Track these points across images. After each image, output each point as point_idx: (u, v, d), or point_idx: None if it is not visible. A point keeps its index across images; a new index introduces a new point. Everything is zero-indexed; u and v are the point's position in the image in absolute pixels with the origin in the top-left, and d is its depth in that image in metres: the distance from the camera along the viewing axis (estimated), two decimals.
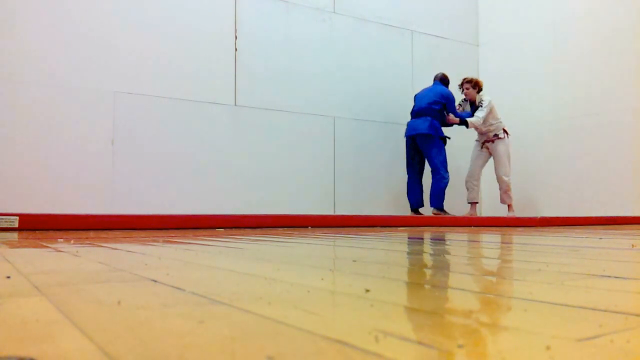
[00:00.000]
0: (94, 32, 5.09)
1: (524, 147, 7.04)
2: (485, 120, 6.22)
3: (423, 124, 6.04)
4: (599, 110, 6.37)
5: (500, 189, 6.37)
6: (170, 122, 5.41)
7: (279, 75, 6.05)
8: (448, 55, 7.35)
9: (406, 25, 7.05)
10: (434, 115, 6.10)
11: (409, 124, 6.25)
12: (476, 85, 6.32)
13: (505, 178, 6.28)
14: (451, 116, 6.17)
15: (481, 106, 6.22)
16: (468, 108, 6.47)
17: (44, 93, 4.85)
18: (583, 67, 6.53)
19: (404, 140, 6.36)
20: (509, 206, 6.38)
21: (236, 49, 5.80)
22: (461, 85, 6.40)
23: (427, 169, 6.34)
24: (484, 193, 7.33)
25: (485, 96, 6.34)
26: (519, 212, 6.67)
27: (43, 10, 4.88)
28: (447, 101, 6.16)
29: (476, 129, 6.32)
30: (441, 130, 6.14)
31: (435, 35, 7.29)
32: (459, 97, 6.58)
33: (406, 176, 6.36)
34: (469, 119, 6.17)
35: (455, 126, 6.38)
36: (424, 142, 6.08)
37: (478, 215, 7.16)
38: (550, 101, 6.85)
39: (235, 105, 5.77)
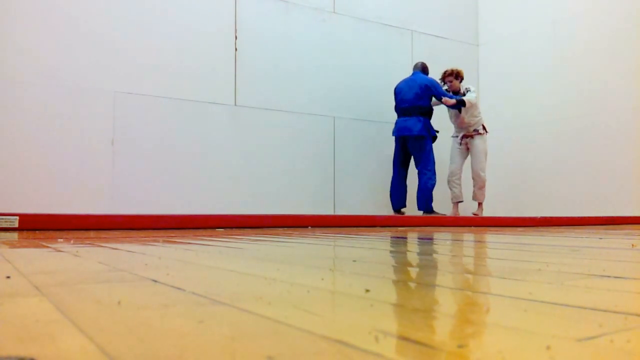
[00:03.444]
0: (94, 32, 5.09)
1: (523, 147, 7.04)
2: (468, 109, 6.13)
3: (415, 125, 5.94)
4: (598, 110, 6.37)
5: (474, 185, 6.29)
6: (170, 122, 5.41)
7: (279, 75, 6.05)
8: (448, 55, 7.34)
9: (406, 25, 7.05)
10: (422, 113, 5.99)
11: (398, 123, 6.12)
12: (458, 76, 6.22)
13: (482, 174, 6.22)
14: (445, 98, 6.01)
15: (468, 90, 6.13)
16: None
17: (44, 93, 4.85)
18: (583, 67, 6.53)
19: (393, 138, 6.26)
20: (479, 205, 6.31)
21: (236, 49, 5.80)
22: (443, 79, 6.29)
23: (412, 170, 6.29)
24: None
25: (469, 85, 6.27)
26: (518, 212, 6.66)
27: (43, 10, 4.88)
28: (434, 89, 6.04)
29: (461, 123, 6.26)
30: (432, 128, 6.05)
31: (435, 35, 7.29)
32: None
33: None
34: (465, 98, 6.05)
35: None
36: (415, 144, 6.00)
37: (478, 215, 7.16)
38: (550, 101, 6.85)
39: (235, 105, 5.77)
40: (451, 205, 6.48)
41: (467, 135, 6.28)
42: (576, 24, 6.65)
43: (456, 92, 6.27)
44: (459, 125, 6.32)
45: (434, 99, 6.19)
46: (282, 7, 6.13)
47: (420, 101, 6.02)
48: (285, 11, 6.15)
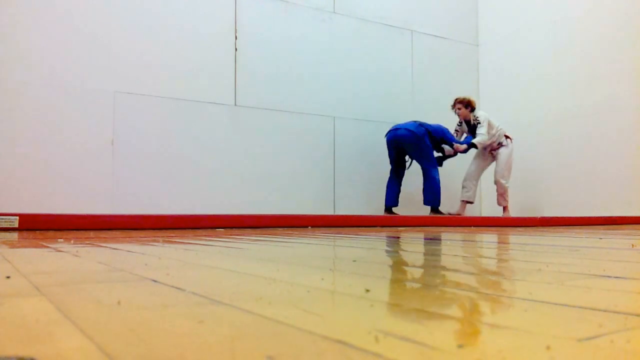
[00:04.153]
0: (94, 32, 5.09)
1: (523, 147, 7.04)
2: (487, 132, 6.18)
3: (411, 126, 5.93)
4: (599, 110, 6.37)
5: (497, 191, 6.36)
6: (170, 122, 5.41)
7: (279, 75, 6.05)
8: (448, 55, 7.34)
9: (406, 25, 7.05)
10: (423, 126, 5.97)
11: (391, 128, 6.11)
12: (468, 105, 6.19)
13: (503, 181, 6.26)
14: (456, 145, 6.05)
15: (478, 122, 6.12)
16: (465, 128, 6.37)
17: (44, 93, 4.85)
18: (583, 67, 6.53)
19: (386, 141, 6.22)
20: (505, 208, 6.36)
21: (236, 49, 5.80)
22: (453, 106, 6.28)
23: (410, 171, 6.28)
24: (484, 193, 7.33)
25: (478, 112, 6.23)
26: (519, 213, 6.66)
27: (43, 10, 4.88)
28: (442, 133, 6.06)
29: (484, 145, 6.28)
30: (427, 138, 5.98)
31: (435, 35, 7.29)
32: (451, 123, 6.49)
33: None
34: (475, 140, 6.07)
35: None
36: (412, 142, 5.93)
37: (478, 215, 7.16)
38: (550, 101, 6.85)
39: (235, 105, 5.77)
40: (450, 203, 6.49)
41: (493, 149, 6.35)
42: (576, 24, 6.65)
43: (466, 120, 6.26)
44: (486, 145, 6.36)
45: (445, 147, 6.21)
46: (282, 8, 6.13)
47: (426, 124, 6.01)
48: (285, 11, 6.15)
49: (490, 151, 6.39)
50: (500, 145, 6.29)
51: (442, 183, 6.43)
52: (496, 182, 6.33)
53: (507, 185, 6.28)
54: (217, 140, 5.65)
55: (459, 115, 6.29)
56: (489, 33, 7.65)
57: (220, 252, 1.85)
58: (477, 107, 6.31)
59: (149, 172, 5.27)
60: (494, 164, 6.45)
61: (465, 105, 6.20)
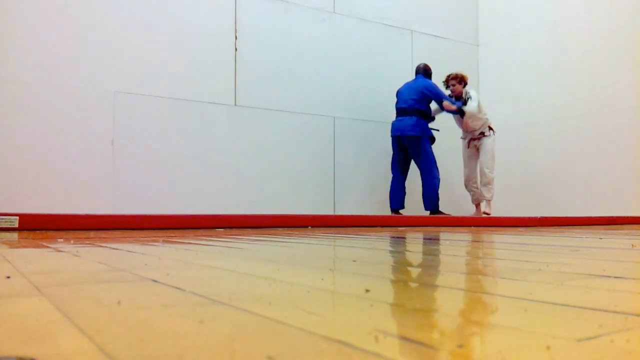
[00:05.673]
0: (93, 32, 5.08)
1: (523, 147, 7.04)
2: (470, 116, 6.15)
3: (410, 125, 5.94)
4: (599, 110, 6.37)
5: (481, 182, 6.33)
6: (170, 122, 5.41)
7: (279, 75, 6.05)
8: (448, 55, 7.34)
9: (406, 25, 7.05)
10: (420, 114, 6.00)
11: (394, 124, 6.14)
12: (462, 81, 6.22)
13: (487, 171, 6.22)
14: (446, 103, 6.05)
15: (469, 97, 6.14)
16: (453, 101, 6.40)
17: (44, 93, 4.85)
18: (583, 67, 6.53)
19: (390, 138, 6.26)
20: (488, 202, 6.30)
21: (236, 49, 5.80)
22: (446, 82, 6.30)
23: (412, 171, 6.28)
24: None
25: (470, 90, 6.26)
26: (519, 212, 6.66)
27: (43, 10, 4.88)
28: (433, 93, 6.07)
29: (465, 127, 6.27)
30: (429, 129, 6.05)
31: (435, 35, 7.29)
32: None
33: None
34: (465, 108, 6.08)
35: (442, 120, 6.39)
36: (412, 144, 5.98)
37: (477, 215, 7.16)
38: (549, 101, 6.85)
39: (235, 105, 5.77)
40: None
41: (474, 138, 6.32)
42: (576, 24, 6.65)
43: (458, 96, 6.26)
44: (464, 129, 6.36)
45: (434, 104, 6.20)
46: (282, 7, 6.13)
47: (418, 104, 6.03)
48: (285, 11, 6.15)
49: (471, 141, 6.33)
50: (482, 134, 6.26)
51: (445, 183, 6.45)
52: (481, 174, 6.29)
53: (492, 175, 6.26)
54: (217, 140, 5.65)
55: (452, 92, 6.28)
56: (489, 33, 7.65)
57: (220, 252, 1.85)
58: (469, 82, 6.36)
59: (149, 172, 5.27)
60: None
61: (459, 81, 6.23)
